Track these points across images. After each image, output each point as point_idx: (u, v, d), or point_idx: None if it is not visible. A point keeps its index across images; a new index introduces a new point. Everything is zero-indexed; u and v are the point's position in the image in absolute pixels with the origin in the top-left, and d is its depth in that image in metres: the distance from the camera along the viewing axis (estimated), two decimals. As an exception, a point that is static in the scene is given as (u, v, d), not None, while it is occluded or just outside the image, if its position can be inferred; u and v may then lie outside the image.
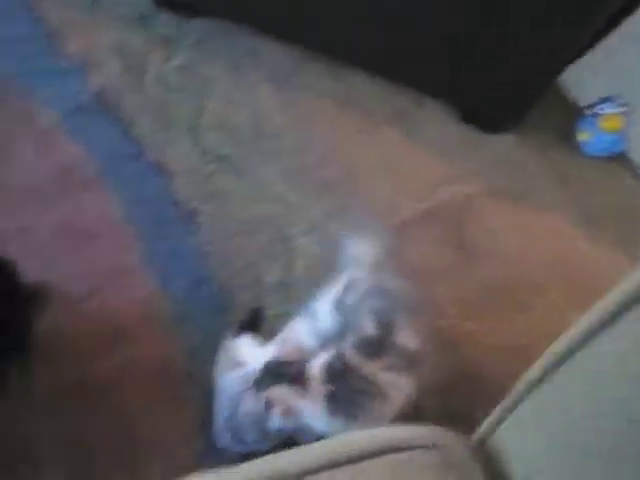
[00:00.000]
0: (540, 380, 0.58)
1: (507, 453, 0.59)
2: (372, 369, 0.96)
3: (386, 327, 0.99)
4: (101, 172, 1.39)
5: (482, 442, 0.62)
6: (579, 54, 1.48)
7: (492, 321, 1.31)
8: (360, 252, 1.12)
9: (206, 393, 1.12)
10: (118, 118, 1.48)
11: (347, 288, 1.04)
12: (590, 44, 1.46)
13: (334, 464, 0.55)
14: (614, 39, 1.43)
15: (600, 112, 1.59)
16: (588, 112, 1.63)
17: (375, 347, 0.97)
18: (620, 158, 1.66)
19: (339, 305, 1.03)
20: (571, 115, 1.66)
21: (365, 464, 0.55)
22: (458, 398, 1.20)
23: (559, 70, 1.50)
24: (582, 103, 1.67)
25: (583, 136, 1.63)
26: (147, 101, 1.51)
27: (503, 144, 1.61)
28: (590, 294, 0.55)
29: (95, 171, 1.39)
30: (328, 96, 1.59)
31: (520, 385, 0.60)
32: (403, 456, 0.54)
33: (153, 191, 1.38)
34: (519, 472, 0.57)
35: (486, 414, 0.66)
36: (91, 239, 1.31)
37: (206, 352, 1.16)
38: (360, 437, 0.57)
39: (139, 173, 1.40)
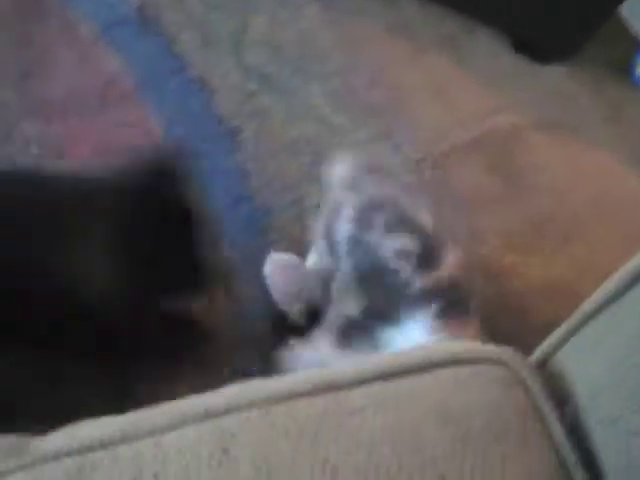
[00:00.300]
0: (609, 302, 0.55)
1: (570, 373, 0.58)
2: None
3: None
4: (142, 87, 1.36)
5: (543, 363, 0.61)
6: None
7: (536, 254, 1.28)
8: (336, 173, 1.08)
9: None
10: (159, 33, 1.44)
11: (332, 213, 1.02)
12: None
13: (391, 374, 0.54)
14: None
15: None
16: (647, 45, 1.56)
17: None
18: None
19: (328, 233, 1.01)
20: (631, 49, 1.59)
21: (427, 376, 0.53)
22: (498, 330, 1.18)
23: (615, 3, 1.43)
24: (641, 35, 1.60)
25: (638, 70, 1.56)
26: (189, 16, 1.47)
27: (556, 76, 1.55)
28: (636, 231, 0.53)
29: (136, 85, 1.36)
30: (376, 18, 1.53)
31: (586, 306, 0.58)
32: (468, 369, 0.53)
33: (195, 108, 1.35)
34: (583, 391, 0.55)
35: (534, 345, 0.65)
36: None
37: (244, 271, 1.16)
38: (421, 349, 0.56)
39: (181, 89, 1.37)
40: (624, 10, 1.58)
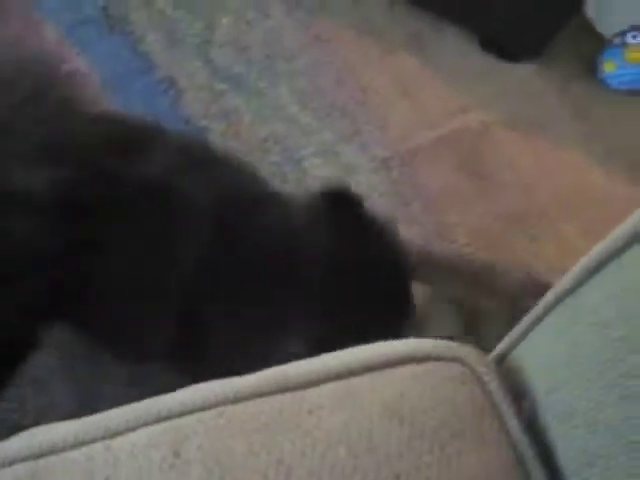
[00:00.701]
0: (566, 295, 0.55)
1: (528, 368, 0.58)
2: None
3: None
4: (108, 87, 1.35)
5: (502, 358, 0.61)
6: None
7: (504, 251, 1.28)
8: None
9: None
10: (125, 33, 1.43)
11: None
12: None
13: (348, 373, 0.53)
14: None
15: (627, 42, 1.53)
16: (614, 42, 1.56)
17: None
18: (641, 93, 1.60)
19: None
20: (597, 46, 1.60)
21: (383, 373, 0.53)
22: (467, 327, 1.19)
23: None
24: (609, 32, 1.60)
25: (607, 67, 1.57)
26: (156, 16, 1.45)
27: (523, 73, 1.56)
28: (603, 229, 0.53)
29: (103, 86, 1.35)
30: (343, 18, 1.53)
31: (545, 300, 0.58)
32: (424, 367, 0.52)
33: (162, 108, 1.34)
34: (541, 386, 0.55)
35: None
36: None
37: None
38: (378, 347, 0.55)
39: (147, 89, 1.36)
40: (589, 9, 1.59)
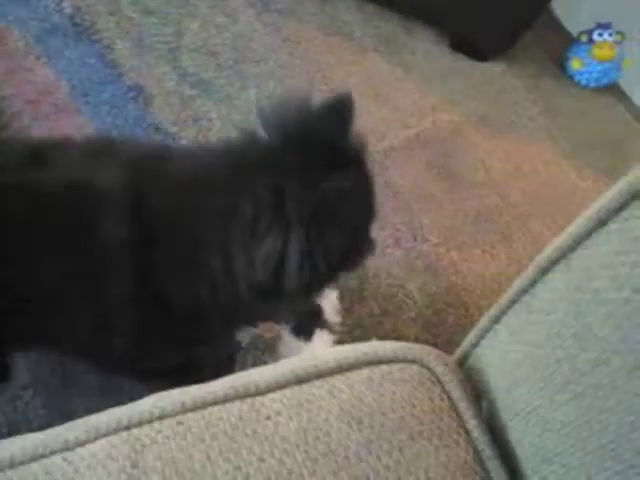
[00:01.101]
0: (522, 293, 0.56)
1: (487, 368, 0.58)
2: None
3: None
4: (77, 96, 1.34)
5: (462, 360, 0.61)
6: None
7: (476, 250, 1.29)
8: None
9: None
10: (93, 41, 1.42)
11: None
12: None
13: (306, 378, 0.53)
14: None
15: (593, 39, 1.55)
16: (581, 39, 1.58)
17: None
18: (611, 88, 1.62)
19: None
20: (564, 44, 1.62)
21: (341, 377, 0.53)
22: (441, 327, 1.19)
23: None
24: (576, 30, 1.62)
25: (575, 64, 1.59)
26: (124, 23, 1.45)
27: (493, 72, 1.57)
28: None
29: (71, 95, 1.34)
30: (313, 21, 1.53)
31: (501, 301, 0.58)
32: (382, 369, 0.53)
33: (132, 115, 1.34)
34: (500, 385, 0.55)
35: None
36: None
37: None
38: (336, 352, 0.55)
39: (117, 97, 1.35)
40: (556, 6, 1.60)
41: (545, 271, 0.53)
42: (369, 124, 1.42)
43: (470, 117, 1.47)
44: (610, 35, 1.54)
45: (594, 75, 1.57)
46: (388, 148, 1.39)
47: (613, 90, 1.61)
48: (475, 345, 0.60)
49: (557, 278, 0.50)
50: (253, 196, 0.73)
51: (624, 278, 0.42)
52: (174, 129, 1.33)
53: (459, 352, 0.63)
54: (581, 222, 0.48)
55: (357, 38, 1.54)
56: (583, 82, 1.58)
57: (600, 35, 1.54)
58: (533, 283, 0.54)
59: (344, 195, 0.76)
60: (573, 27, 1.62)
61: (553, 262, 0.50)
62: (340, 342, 1.08)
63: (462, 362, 0.62)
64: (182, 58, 1.42)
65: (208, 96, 1.38)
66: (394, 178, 1.35)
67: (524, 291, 0.55)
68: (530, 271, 0.54)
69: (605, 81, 1.58)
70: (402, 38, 1.57)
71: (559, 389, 0.49)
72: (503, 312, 0.58)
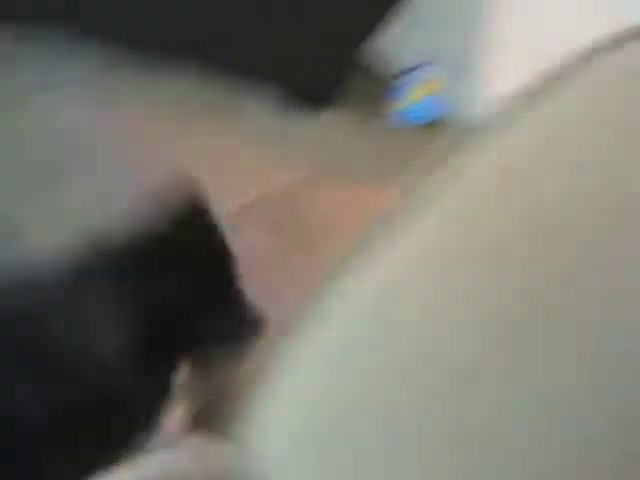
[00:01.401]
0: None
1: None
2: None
3: None
4: None
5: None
6: (381, 21, 1.49)
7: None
8: None
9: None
10: None
11: None
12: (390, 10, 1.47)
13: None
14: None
15: (414, 79, 1.61)
16: (400, 80, 1.64)
17: None
18: (438, 123, 1.68)
19: None
20: (386, 86, 1.67)
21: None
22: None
23: (361, 39, 1.50)
24: (394, 72, 1.68)
25: (398, 106, 1.64)
26: None
27: (325, 124, 1.59)
28: None
29: None
30: (138, 105, 1.50)
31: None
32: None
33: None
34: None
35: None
36: None
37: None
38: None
39: None
40: (381, 46, 1.64)
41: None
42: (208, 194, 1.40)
43: (308, 172, 1.48)
44: (428, 72, 1.60)
45: (418, 114, 1.62)
46: (225, 215, 1.37)
47: (441, 125, 1.66)
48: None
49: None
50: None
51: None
52: None
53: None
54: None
55: (186, 111, 1.52)
56: (411, 121, 1.63)
57: (418, 74, 1.60)
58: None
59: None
60: (393, 67, 1.67)
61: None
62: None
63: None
64: None
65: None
66: (238, 246, 1.33)
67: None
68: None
69: (429, 118, 1.64)
70: (231, 104, 1.57)
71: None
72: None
